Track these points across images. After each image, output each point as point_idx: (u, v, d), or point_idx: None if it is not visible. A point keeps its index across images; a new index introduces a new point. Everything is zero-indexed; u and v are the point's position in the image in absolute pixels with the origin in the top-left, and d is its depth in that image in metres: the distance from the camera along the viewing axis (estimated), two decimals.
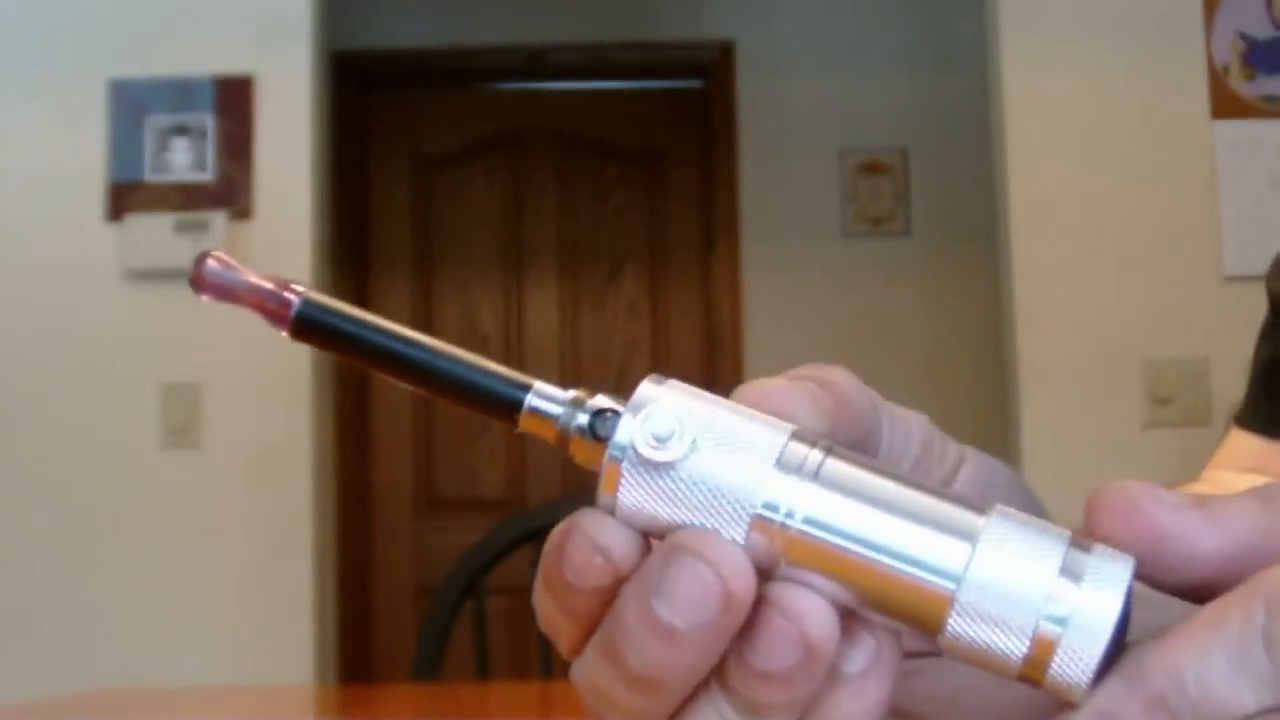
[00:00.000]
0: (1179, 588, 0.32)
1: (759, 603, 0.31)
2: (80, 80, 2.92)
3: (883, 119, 3.87)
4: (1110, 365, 2.77)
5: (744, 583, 0.30)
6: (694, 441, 0.31)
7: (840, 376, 0.35)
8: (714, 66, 3.93)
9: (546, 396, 0.33)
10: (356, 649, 3.69)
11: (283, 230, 2.90)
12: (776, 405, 0.32)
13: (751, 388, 0.33)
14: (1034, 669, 0.30)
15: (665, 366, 3.73)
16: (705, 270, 3.96)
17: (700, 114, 3.99)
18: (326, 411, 3.07)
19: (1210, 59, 2.79)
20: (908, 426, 0.36)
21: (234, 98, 2.91)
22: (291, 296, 0.33)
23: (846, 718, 0.31)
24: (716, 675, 0.32)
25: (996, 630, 0.30)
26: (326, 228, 3.10)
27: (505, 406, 0.33)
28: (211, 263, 0.33)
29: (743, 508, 0.31)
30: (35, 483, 2.85)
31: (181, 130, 2.92)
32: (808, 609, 0.30)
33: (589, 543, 0.31)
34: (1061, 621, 0.30)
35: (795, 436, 0.32)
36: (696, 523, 0.31)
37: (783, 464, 0.31)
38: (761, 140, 3.88)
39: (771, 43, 3.90)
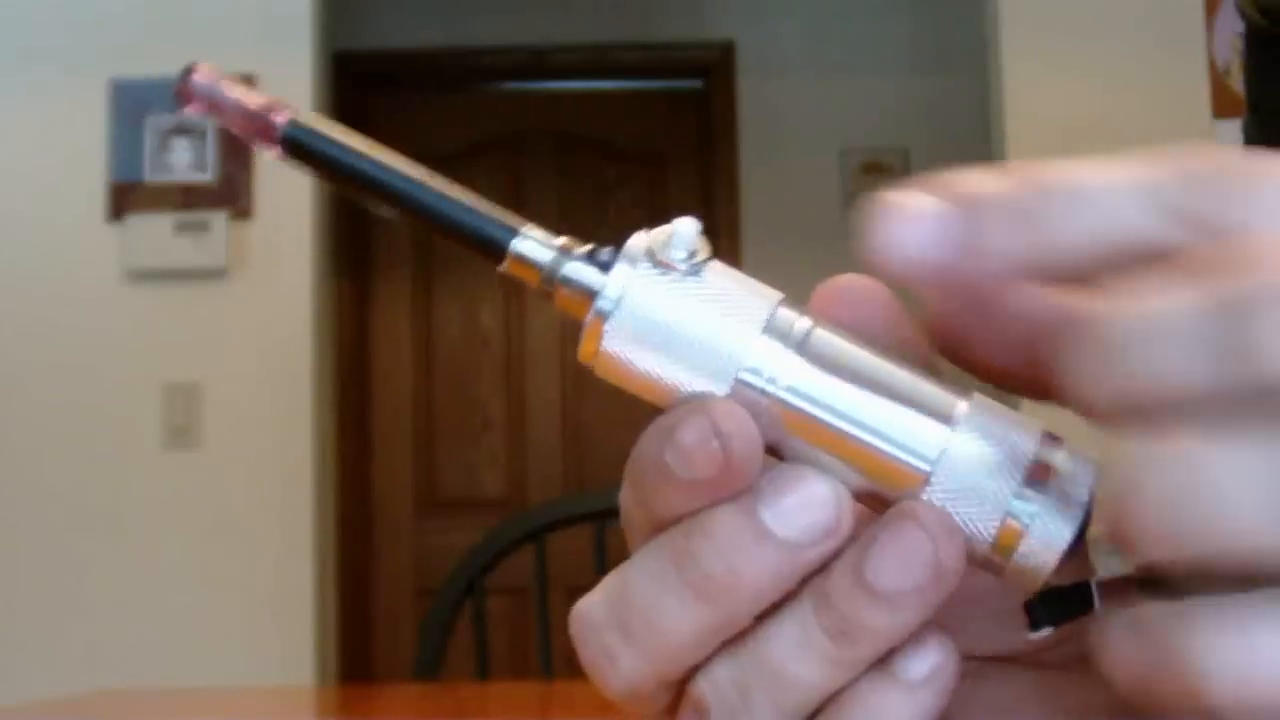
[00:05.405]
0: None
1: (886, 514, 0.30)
2: (80, 80, 2.92)
3: (883, 120, 3.87)
4: None
5: (849, 507, 0.30)
6: (685, 291, 0.31)
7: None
8: (714, 67, 3.93)
9: (535, 240, 0.33)
10: (356, 649, 3.69)
11: (283, 230, 2.90)
12: (856, 293, 0.32)
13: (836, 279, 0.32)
14: (1000, 555, 0.30)
15: None
16: None
17: (700, 114, 3.99)
18: (327, 412, 3.07)
19: (1211, 58, 2.79)
20: None
21: None
22: (278, 118, 0.32)
23: None
24: (811, 589, 0.30)
25: (965, 516, 0.30)
26: (326, 228, 3.10)
27: (490, 247, 0.33)
28: (198, 76, 0.32)
29: (727, 369, 0.30)
30: (35, 482, 2.85)
31: (182, 130, 2.92)
32: (942, 527, 0.29)
33: (710, 425, 0.29)
34: (1030, 513, 0.30)
35: (784, 304, 0.32)
36: (676, 380, 0.30)
37: (771, 329, 0.31)
38: (762, 140, 3.88)
39: (771, 43, 3.90)
